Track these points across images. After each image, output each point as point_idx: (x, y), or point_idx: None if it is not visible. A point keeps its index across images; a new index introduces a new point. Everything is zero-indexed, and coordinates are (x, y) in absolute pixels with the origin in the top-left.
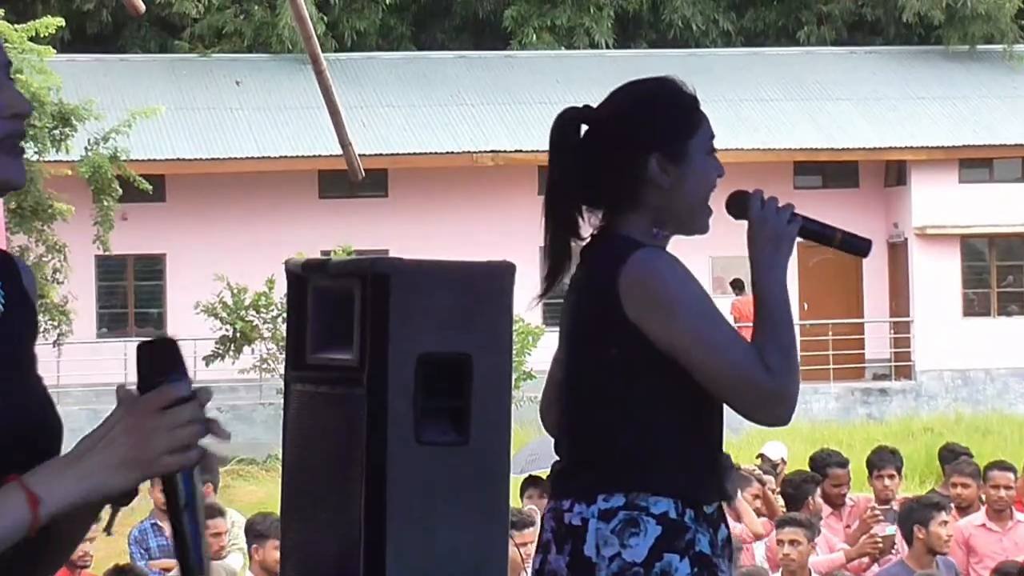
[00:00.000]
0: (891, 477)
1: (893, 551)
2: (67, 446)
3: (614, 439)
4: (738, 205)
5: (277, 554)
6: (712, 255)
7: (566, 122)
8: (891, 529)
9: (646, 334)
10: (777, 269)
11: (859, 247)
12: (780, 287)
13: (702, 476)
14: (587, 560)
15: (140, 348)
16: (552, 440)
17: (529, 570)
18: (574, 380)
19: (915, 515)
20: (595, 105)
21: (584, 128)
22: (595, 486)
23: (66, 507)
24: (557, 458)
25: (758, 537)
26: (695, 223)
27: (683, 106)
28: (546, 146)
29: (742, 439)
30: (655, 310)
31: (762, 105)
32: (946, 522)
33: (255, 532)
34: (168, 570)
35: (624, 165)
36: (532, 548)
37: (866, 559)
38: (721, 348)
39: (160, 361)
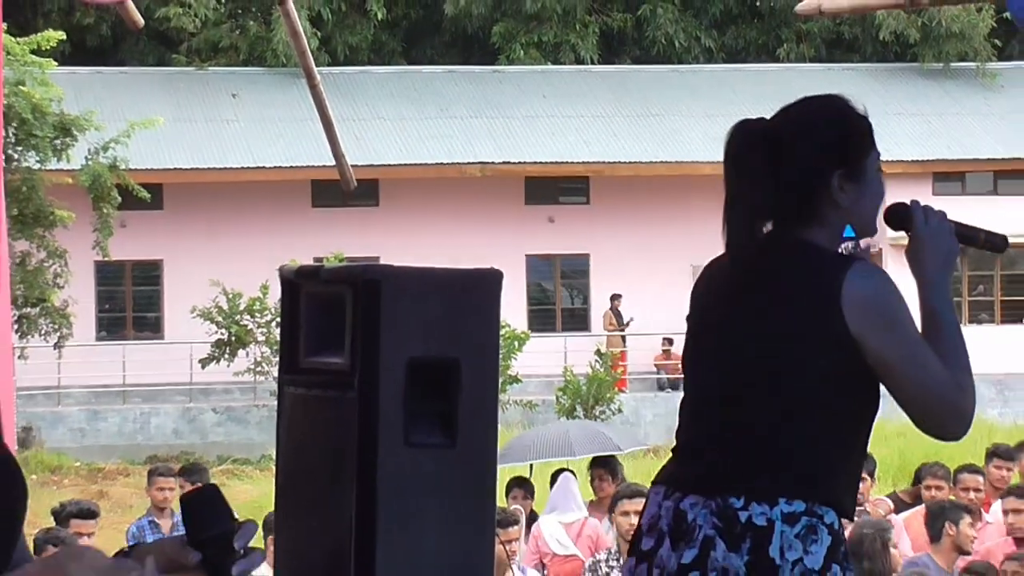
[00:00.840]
0: (863, 480)
1: None
2: (67, 440)
3: (800, 446)
4: (899, 218)
5: None
6: (693, 264)
7: (747, 136)
8: None
9: (862, 348)
10: (946, 286)
11: (998, 244)
12: (951, 305)
13: (854, 492)
14: (771, 561)
15: (185, 499)
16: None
17: (518, 565)
18: (758, 383)
19: (947, 514)
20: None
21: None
22: (774, 489)
23: None
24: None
25: None
26: (866, 232)
27: (862, 125)
28: (532, 157)
29: None
30: (878, 325)
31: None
32: (973, 524)
33: (270, 527)
34: None
35: (810, 183)
36: (516, 545)
37: None
38: (929, 367)
39: (209, 513)
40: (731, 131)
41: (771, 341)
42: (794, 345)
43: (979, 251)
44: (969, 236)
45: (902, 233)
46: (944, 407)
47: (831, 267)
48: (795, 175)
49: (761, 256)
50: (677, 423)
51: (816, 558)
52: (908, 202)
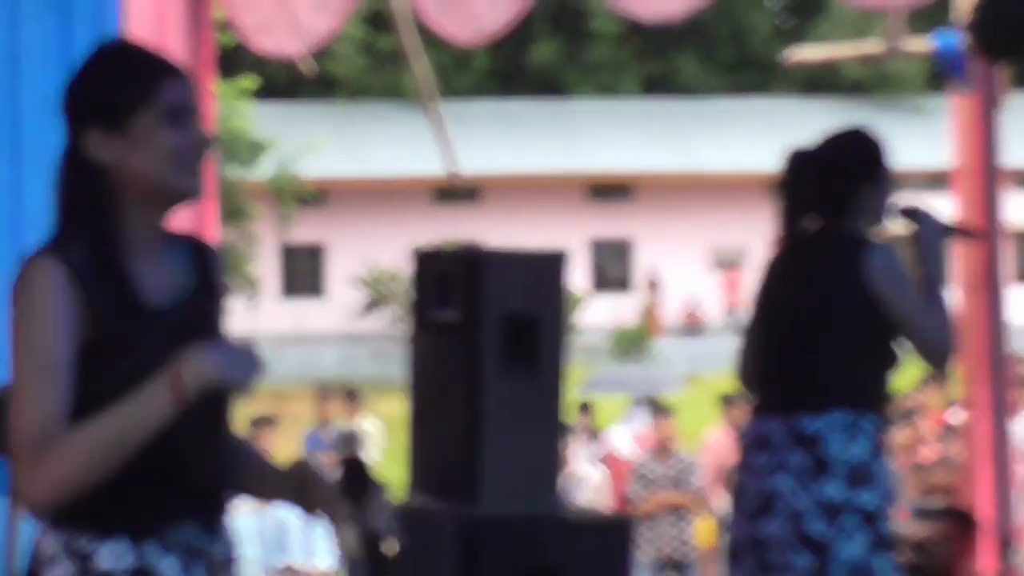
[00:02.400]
0: None
1: None
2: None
3: (843, 374)
4: (912, 215)
5: None
6: (711, 245)
7: (801, 158)
8: None
9: (881, 302)
10: (940, 263)
11: (975, 234)
12: (942, 276)
13: (886, 402)
14: (826, 458)
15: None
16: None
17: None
18: (810, 332)
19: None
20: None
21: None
22: (826, 405)
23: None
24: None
25: None
26: (878, 222)
27: (883, 150)
28: (592, 168)
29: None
30: (891, 286)
31: (745, 138)
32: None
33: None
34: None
35: (850, 190)
36: (572, 451)
37: None
38: (925, 317)
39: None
40: (789, 155)
41: (818, 301)
42: (834, 303)
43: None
44: (955, 229)
45: None
46: (933, 346)
47: (859, 246)
48: (841, 185)
49: (811, 243)
50: (759, 368)
51: (863, 452)
52: (917, 206)
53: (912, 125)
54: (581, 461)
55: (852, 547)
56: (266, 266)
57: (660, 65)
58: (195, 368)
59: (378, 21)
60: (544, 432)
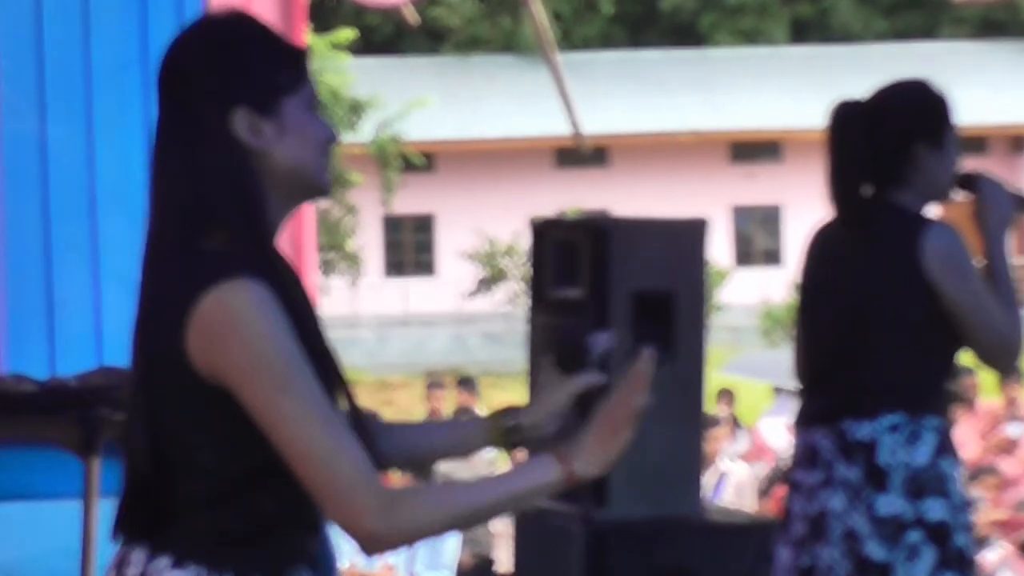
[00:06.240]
0: None
1: None
2: (361, 358)
3: (895, 372)
4: (969, 182)
5: None
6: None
7: (847, 113)
8: None
9: (939, 293)
10: (1002, 242)
11: None
12: (1004, 257)
13: (947, 400)
14: (880, 467)
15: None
16: None
17: (723, 459)
18: (858, 326)
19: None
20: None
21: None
22: (876, 408)
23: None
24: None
25: None
26: (940, 196)
27: (943, 103)
28: (734, 126)
29: None
30: (951, 275)
31: None
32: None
33: None
34: None
35: (898, 149)
36: (718, 444)
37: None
38: (992, 312)
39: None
40: (834, 110)
41: (866, 292)
42: (884, 294)
43: None
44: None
45: None
46: (1002, 345)
47: (913, 227)
48: (886, 142)
49: (859, 218)
50: (805, 368)
51: (922, 457)
52: (976, 172)
53: None
54: (723, 455)
55: (918, 569)
56: (368, 240)
57: (810, 7)
58: (586, 463)
59: None
60: (682, 424)
